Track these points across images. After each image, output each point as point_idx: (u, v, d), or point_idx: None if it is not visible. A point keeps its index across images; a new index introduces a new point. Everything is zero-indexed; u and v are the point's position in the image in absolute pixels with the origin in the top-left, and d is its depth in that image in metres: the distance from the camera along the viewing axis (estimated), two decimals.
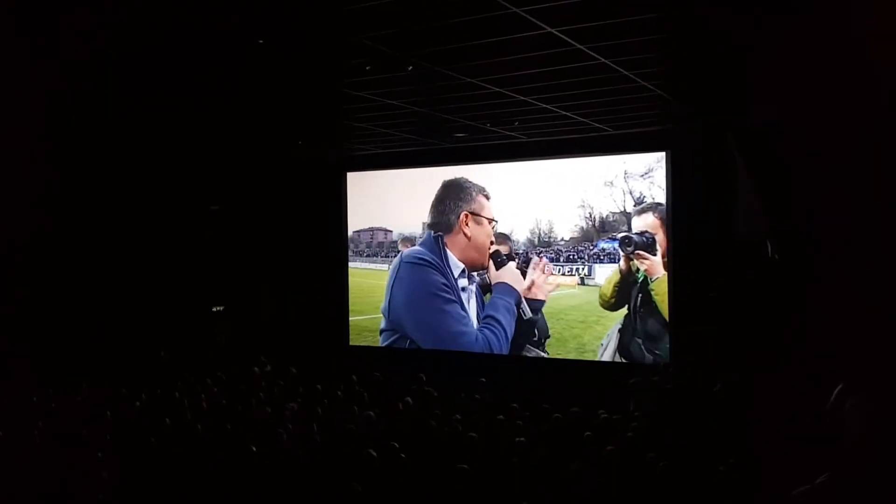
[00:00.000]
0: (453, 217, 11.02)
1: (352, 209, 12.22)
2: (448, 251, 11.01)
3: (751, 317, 7.59)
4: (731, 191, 8.62)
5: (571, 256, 10.45)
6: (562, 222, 10.54)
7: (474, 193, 10.99)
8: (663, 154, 9.64)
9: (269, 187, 11.80)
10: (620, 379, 8.04)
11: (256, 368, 9.18)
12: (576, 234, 10.43)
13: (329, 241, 12.24)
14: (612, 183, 10.04)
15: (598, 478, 4.96)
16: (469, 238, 10.92)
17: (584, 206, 10.33)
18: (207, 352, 10.32)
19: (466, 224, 10.91)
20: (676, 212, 9.48)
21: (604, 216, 10.17)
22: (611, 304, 10.02)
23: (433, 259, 11.18)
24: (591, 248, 10.26)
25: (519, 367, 10.22)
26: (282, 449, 5.95)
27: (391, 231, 11.99)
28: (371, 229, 11.94)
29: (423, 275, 11.23)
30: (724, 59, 6.07)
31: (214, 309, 11.66)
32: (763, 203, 7.35)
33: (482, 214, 10.91)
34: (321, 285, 12.16)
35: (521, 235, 10.78)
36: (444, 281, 11.05)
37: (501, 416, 6.76)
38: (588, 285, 10.24)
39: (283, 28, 5.17)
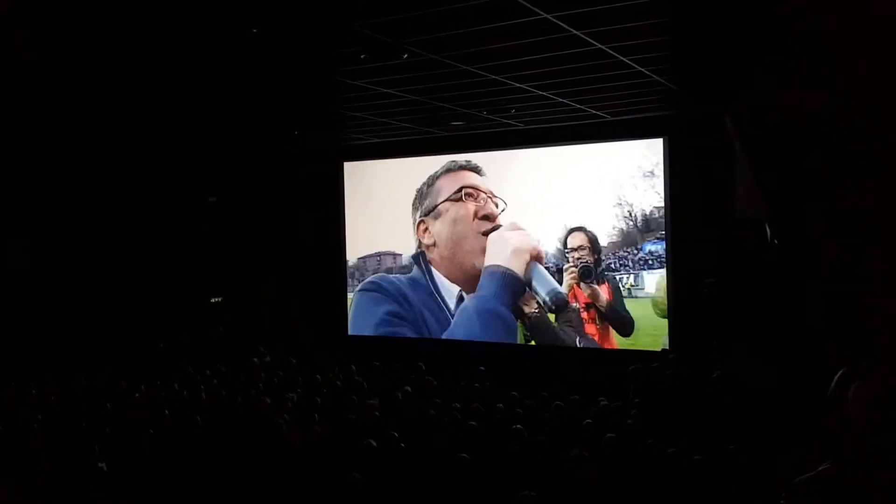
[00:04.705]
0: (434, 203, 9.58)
1: (349, 202, 12.14)
2: (432, 268, 9.62)
3: (750, 303, 7.58)
4: (730, 176, 8.57)
5: (613, 265, 8.81)
6: (597, 226, 8.77)
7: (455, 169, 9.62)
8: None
9: (265, 177, 11.76)
10: (620, 366, 8.04)
11: (256, 359, 9.18)
12: (615, 239, 8.72)
13: (326, 230, 12.21)
14: (652, 173, 8.56)
15: (597, 465, 4.96)
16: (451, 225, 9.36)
17: (621, 204, 8.67)
18: (206, 343, 10.31)
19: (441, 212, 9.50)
20: (675, 198, 9.41)
21: (647, 213, 8.55)
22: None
23: (385, 283, 9.93)
24: (636, 252, 8.68)
25: (518, 356, 10.20)
26: (282, 439, 5.94)
27: (400, 255, 10.28)
28: (378, 254, 10.49)
29: (368, 302, 10.25)
30: (723, 44, 6.02)
31: (213, 300, 11.65)
32: (761, 187, 7.33)
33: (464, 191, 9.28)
34: (319, 274, 12.14)
35: (548, 245, 9.16)
36: (389, 308, 9.69)
37: (501, 405, 6.76)
38: (638, 297, 8.55)
39: (277, 17, 5.12)
